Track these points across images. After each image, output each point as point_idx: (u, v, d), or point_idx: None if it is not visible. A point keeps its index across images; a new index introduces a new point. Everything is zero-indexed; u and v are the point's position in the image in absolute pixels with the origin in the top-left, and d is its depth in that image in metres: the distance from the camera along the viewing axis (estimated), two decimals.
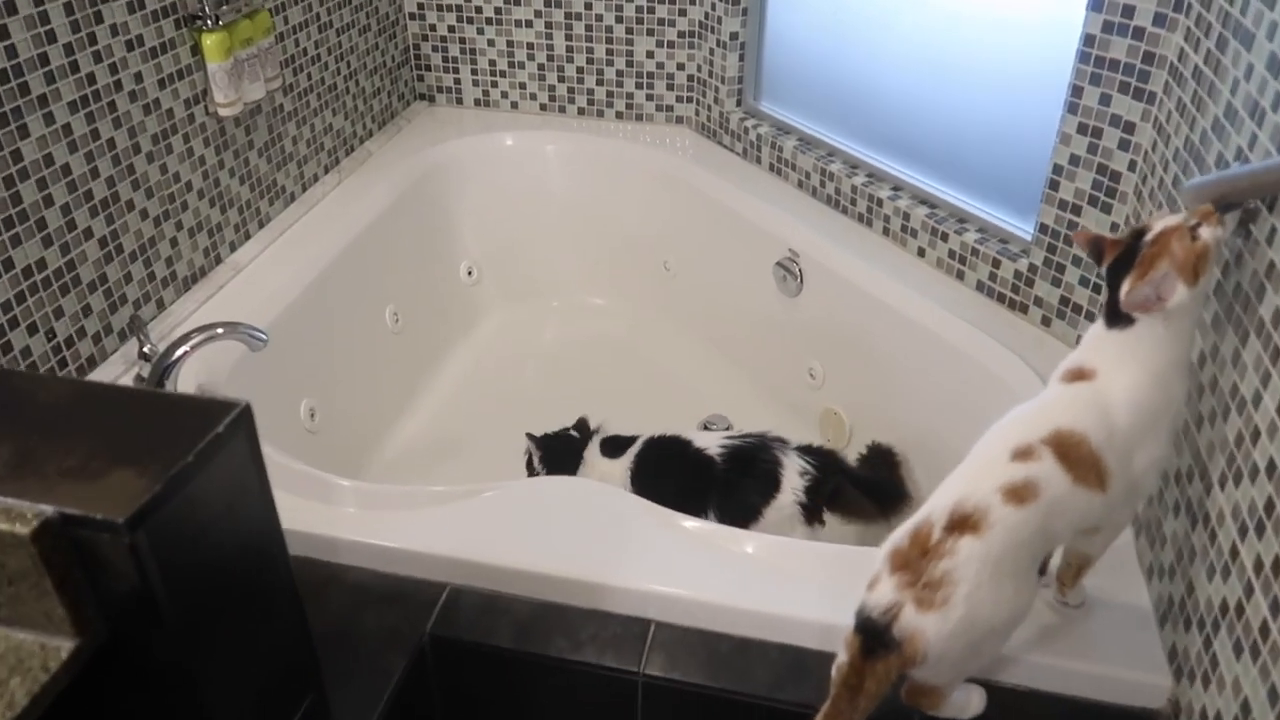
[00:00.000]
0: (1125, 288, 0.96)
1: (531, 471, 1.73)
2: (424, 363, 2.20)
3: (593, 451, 1.72)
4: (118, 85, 1.50)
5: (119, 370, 1.54)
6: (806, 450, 1.61)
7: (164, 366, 1.40)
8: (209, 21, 1.64)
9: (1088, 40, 1.41)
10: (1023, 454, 0.95)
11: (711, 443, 1.63)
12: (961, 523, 0.92)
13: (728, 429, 2.08)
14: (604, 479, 1.63)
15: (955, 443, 1.68)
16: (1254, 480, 0.93)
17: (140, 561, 0.66)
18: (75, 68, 1.41)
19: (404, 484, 1.90)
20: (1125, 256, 0.97)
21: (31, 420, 0.73)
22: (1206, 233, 0.92)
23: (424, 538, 1.26)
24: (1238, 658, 0.92)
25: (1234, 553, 0.95)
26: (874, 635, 0.92)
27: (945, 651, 0.93)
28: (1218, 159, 1.12)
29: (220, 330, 1.44)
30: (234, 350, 1.56)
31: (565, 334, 2.40)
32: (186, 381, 1.48)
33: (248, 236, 1.87)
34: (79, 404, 0.75)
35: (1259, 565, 0.90)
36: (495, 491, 1.34)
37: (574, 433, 1.76)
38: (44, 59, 1.36)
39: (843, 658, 0.96)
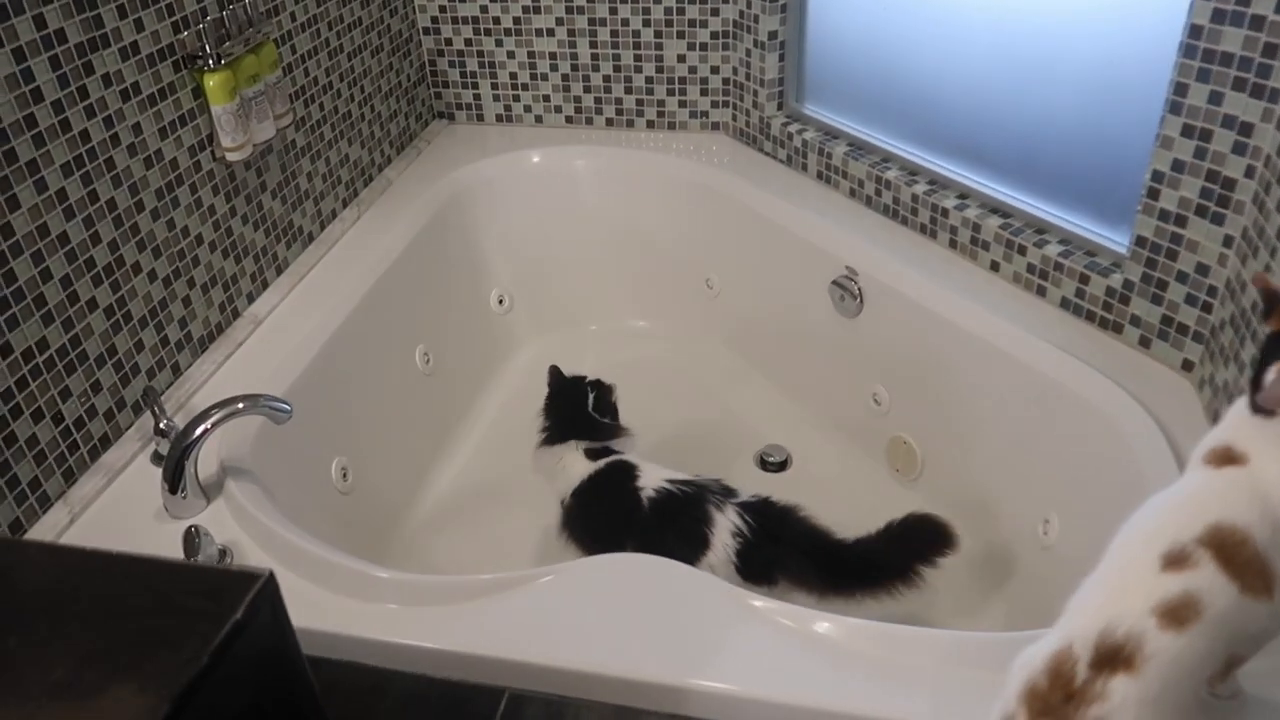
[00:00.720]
0: (1271, 375, 0.80)
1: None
2: (459, 403, 2.07)
3: (575, 450, 1.58)
4: (114, 140, 1.37)
5: (135, 448, 1.42)
6: (752, 508, 1.44)
7: (183, 447, 1.28)
8: (210, 61, 1.51)
9: (1194, 31, 1.24)
10: (1176, 561, 0.79)
11: (652, 483, 1.49)
12: (1111, 657, 0.77)
13: (784, 461, 1.94)
14: (554, 475, 1.59)
15: (1041, 476, 1.55)
16: None
17: None
18: (66, 126, 1.29)
19: (445, 539, 1.79)
20: None
21: (8, 612, 0.60)
22: None
23: (477, 637, 1.13)
24: None
25: None
26: None
27: None
28: None
29: (241, 405, 1.31)
30: (255, 416, 1.43)
31: (606, 360, 2.25)
32: (209, 458, 1.36)
33: (265, 285, 1.75)
34: (65, 582, 0.62)
35: None
36: (551, 576, 1.20)
37: (589, 394, 1.63)
38: (30, 121, 1.23)
39: None
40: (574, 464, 1.57)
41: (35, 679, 0.56)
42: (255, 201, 1.70)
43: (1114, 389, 1.43)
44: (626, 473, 1.53)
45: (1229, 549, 0.79)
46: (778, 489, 1.88)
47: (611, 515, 1.51)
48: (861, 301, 1.80)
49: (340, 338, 1.68)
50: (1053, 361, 1.51)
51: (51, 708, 0.54)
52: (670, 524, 1.45)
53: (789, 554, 1.40)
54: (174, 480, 1.29)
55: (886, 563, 1.39)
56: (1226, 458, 0.84)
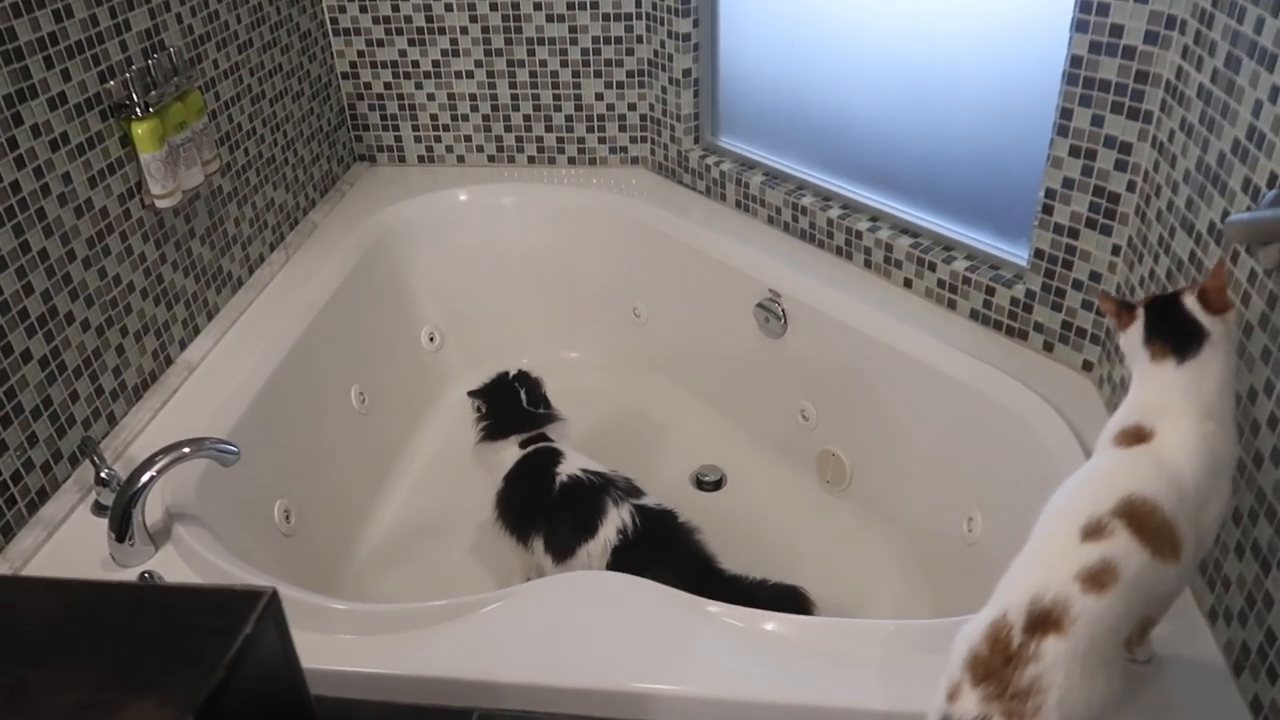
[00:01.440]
0: (1197, 287, 0.95)
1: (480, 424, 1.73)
2: (395, 441, 2.08)
3: (512, 443, 1.69)
4: (45, 190, 1.36)
5: (74, 499, 1.40)
6: (646, 513, 1.54)
7: (130, 495, 1.27)
8: (138, 110, 1.51)
9: (1075, 61, 1.37)
10: (1093, 531, 0.88)
11: (568, 469, 1.61)
12: (1042, 621, 0.85)
13: (719, 480, 2.00)
14: (492, 466, 1.69)
15: (963, 476, 1.65)
16: None
17: None
18: None
19: (392, 577, 1.80)
20: (1164, 300, 0.96)
21: (16, 643, 0.62)
22: None
23: (439, 660, 1.16)
24: None
25: None
26: None
27: None
28: (1244, 184, 1.08)
29: (187, 450, 1.31)
30: (197, 462, 1.43)
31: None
32: (153, 505, 1.35)
33: (197, 331, 1.74)
34: (70, 613, 0.64)
35: None
36: (504, 600, 1.23)
37: (520, 390, 1.73)
38: None
39: None
40: (509, 454, 1.68)
41: (53, 704, 0.57)
42: (185, 248, 1.69)
43: (1024, 391, 1.53)
44: (549, 458, 1.65)
45: (1140, 518, 0.88)
46: (714, 507, 1.96)
47: (528, 497, 1.63)
48: (785, 322, 1.89)
49: (276, 381, 1.68)
50: (966, 369, 1.61)
51: None
52: (570, 508, 1.57)
53: (660, 565, 1.45)
54: (121, 528, 1.28)
55: (749, 601, 1.42)
56: (1136, 436, 0.93)
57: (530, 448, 1.68)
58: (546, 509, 1.60)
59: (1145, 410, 0.95)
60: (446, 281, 2.25)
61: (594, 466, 1.63)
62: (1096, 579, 0.86)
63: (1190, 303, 0.95)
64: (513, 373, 1.77)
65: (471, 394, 1.76)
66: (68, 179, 1.41)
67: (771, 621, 1.18)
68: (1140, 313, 0.98)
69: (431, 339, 2.26)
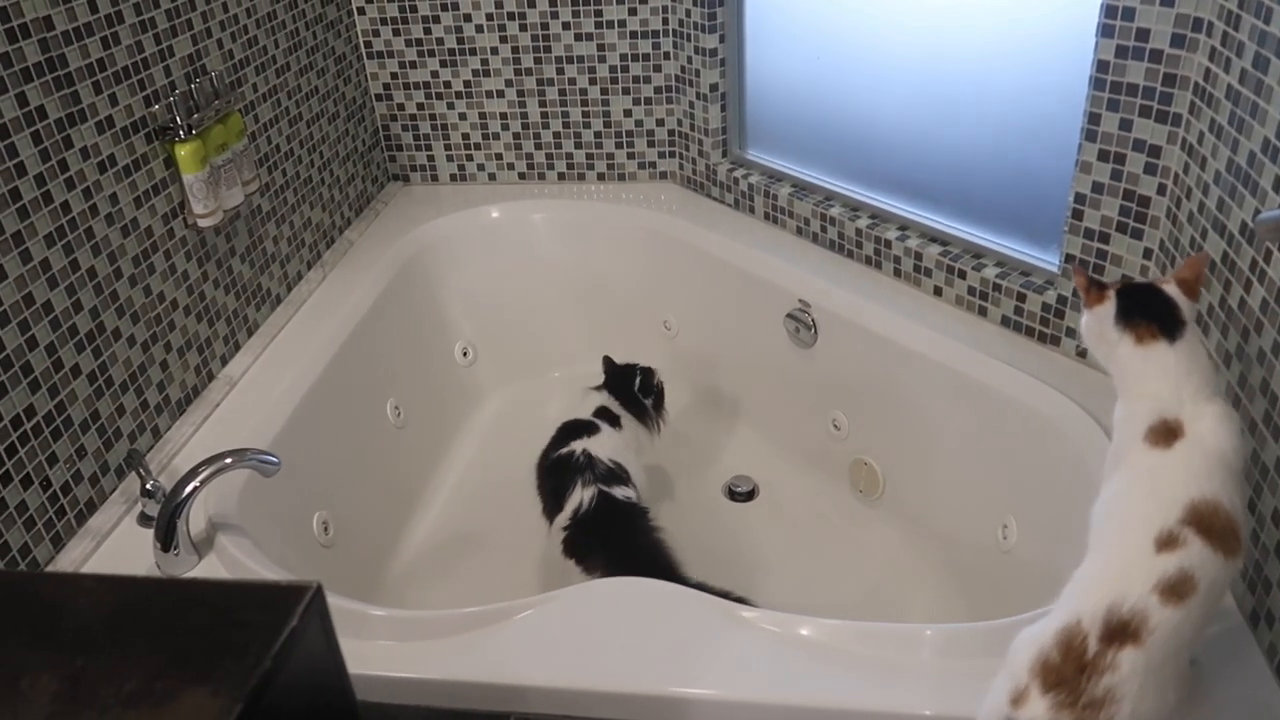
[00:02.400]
0: (1174, 271, 0.99)
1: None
2: (430, 454, 2.11)
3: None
4: (93, 210, 1.41)
5: (120, 510, 1.43)
6: (609, 500, 1.63)
7: (174, 505, 1.30)
8: (181, 132, 1.56)
9: (1101, 66, 1.37)
10: (1168, 543, 0.88)
11: (575, 446, 1.71)
12: (1120, 631, 0.85)
13: (751, 491, 2.01)
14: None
15: (996, 484, 1.64)
16: None
17: None
18: (49, 199, 1.33)
19: (429, 589, 1.82)
20: (1139, 288, 1.01)
21: (73, 636, 0.64)
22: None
23: (476, 665, 1.17)
24: None
25: None
26: None
27: None
28: (1275, 182, 1.08)
29: (229, 460, 1.34)
30: (239, 474, 1.46)
31: (570, 406, 2.31)
32: (196, 516, 1.38)
33: (238, 348, 1.78)
34: (123, 607, 0.66)
35: None
36: (540, 605, 1.24)
37: (638, 377, 1.87)
38: (15, 194, 1.27)
39: None
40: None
41: (109, 693, 0.60)
42: (225, 266, 1.74)
43: (1057, 396, 1.53)
44: (574, 432, 1.76)
45: (1207, 521, 0.88)
46: (747, 518, 1.96)
47: (542, 461, 1.76)
48: (816, 332, 1.90)
49: (313, 396, 1.72)
50: (998, 375, 1.61)
51: (129, 715, 0.58)
52: (553, 479, 1.70)
53: (603, 553, 1.57)
54: (166, 538, 1.31)
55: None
56: (1169, 434, 0.93)
57: (586, 418, 1.80)
58: (545, 474, 1.73)
59: (1158, 401, 0.94)
60: (479, 297, 2.28)
61: (602, 453, 1.70)
62: (1176, 590, 0.86)
63: (1171, 290, 0.99)
64: (644, 365, 1.91)
65: (606, 358, 1.92)
66: (115, 199, 1.45)
67: (806, 626, 1.18)
68: (1112, 295, 1.01)
69: (465, 354, 2.29)
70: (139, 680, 0.60)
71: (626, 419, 1.84)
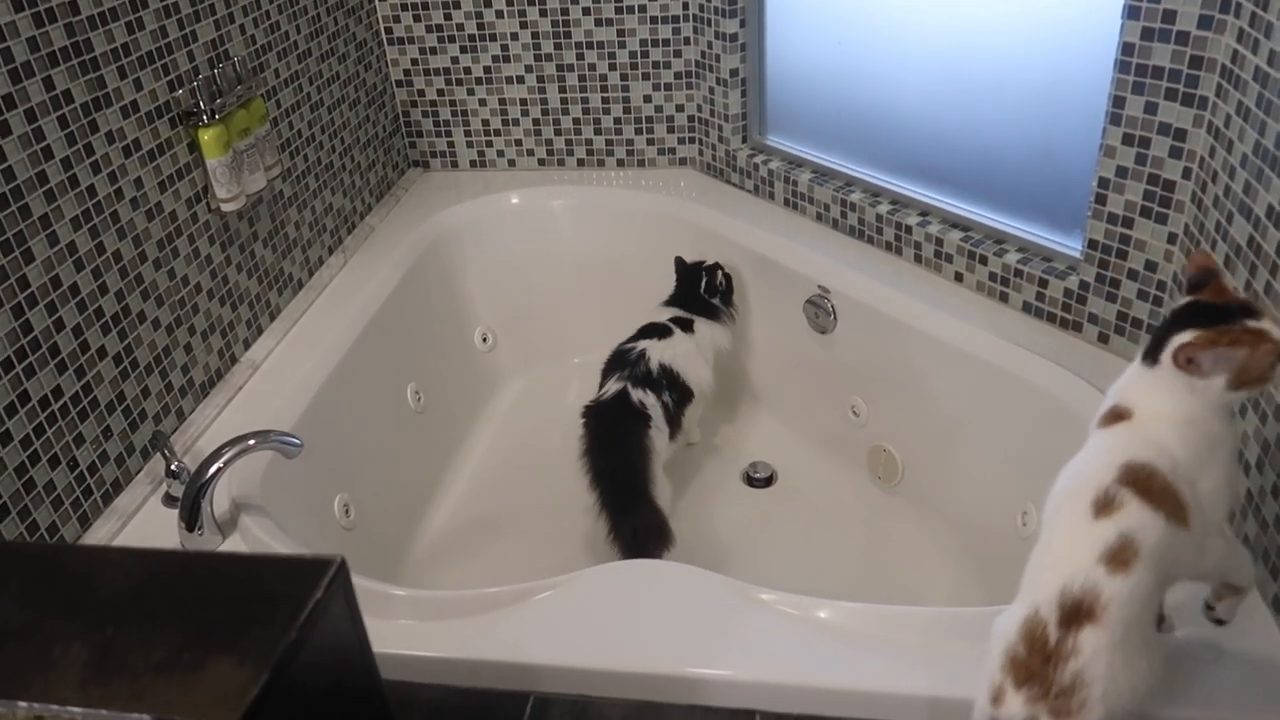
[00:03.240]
0: (1188, 337, 0.88)
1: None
2: (450, 439, 2.12)
3: (665, 309, 1.98)
4: (119, 194, 1.42)
5: (146, 491, 1.45)
6: (623, 399, 1.80)
7: (199, 485, 1.32)
8: (205, 117, 1.57)
9: (1126, 49, 1.36)
10: (1104, 505, 0.87)
11: (634, 343, 1.88)
12: (1075, 612, 0.85)
13: (769, 477, 2.01)
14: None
15: (1016, 471, 1.64)
16: None
17: None
18: (75, 182, 1.34)
19: (449, 572, 1.83)
20: (1216, 311, 0.89)
21: (102, 607, 0.65)
22: None
23: (496, 645, 1.18)
24: None
25: None
26: None
27: None
28: None
29: (252, 441, 1.36)
30: (260, 456, 1.48)
31: (590, 392, 2.32)
32: (220, 497, 1.40)
33: (260, 331, 1.80)
34: (151, 579, 0.67)
35: None
36: (560, 586, 1.25)
37: (704, 278, 1.97)
38: (42, 178, 1.28)
39: None
40: (658, 313, 1.97)
41: (138, 661, 0.61)
42: (248, 250, 1.75)
43: (1078, 382, 1.52)
44: (649, 332, 1.91)
45: (1143, 481, 0.87)
46: (766, 504, 1.97)
47: (611, 356, 1.91)
48: (835, 318, 1.89)
49: (335, 380, 1.73)
50: (1020, 361, 1.60)
51: (158, 683, 0.59)
52: (606, 369, 1.90)
53: (596, 447, 1.76)
54: (191, 518, 1.33)
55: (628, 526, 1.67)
56: (1115, 416, 0.93)
57: (659, 319, 1.94)
58: (607, 362, 1.90)
59: (1130, 389, 0.95)
60: (498, 283, 2.29)
61: (661, 355, 1.86)
62: (1119, 557, 0.85)
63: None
64: (709, 263, 1.99)
65: (677, 259, 2.03)
66: (139, 184, 1.47)
67: (825, 609, 1.18)
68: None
69: (484, 339, 2.30)
70: (167, 650, 0.61)
71: (700, 322, 1.95)
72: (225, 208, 1.63)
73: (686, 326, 1.95)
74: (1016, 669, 0.87)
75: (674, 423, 1.85)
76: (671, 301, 2.00)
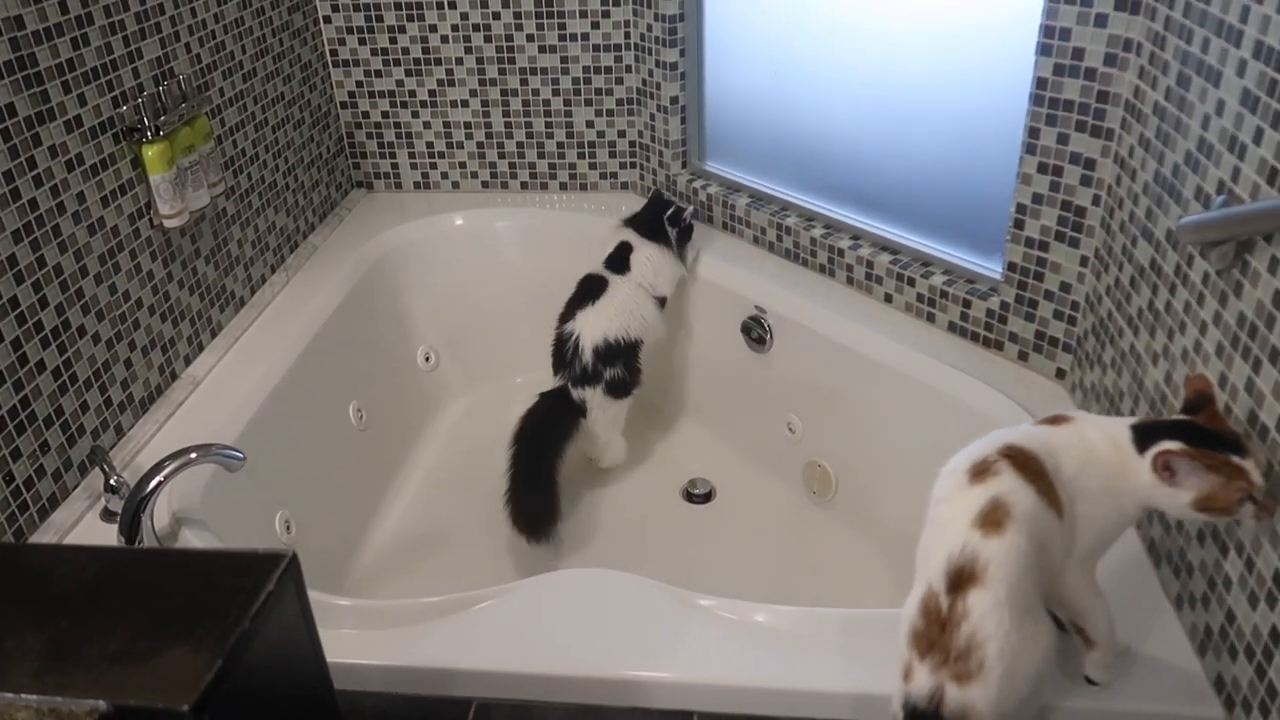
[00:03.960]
0: (1174, 446, 0.93)
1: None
2: (392, 457, 2.13)
3: (624, 230, 2.03)
4: (60, 208, 1.42)
5: (83, 506, 1.44)
6: (561, 398, 1.92)
7: (139, 499, 1.32)
8: (149, 133, 1.58)
9: (1040, 83, 1.45)
10: (979, 472, 0.94)
11: (573, 330, 1.95)
12: (959, 578, 0.91)
13: (708, 493, 2.06)
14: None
15: None
16: None
17: None
18: (16, 195, 1.34)
19: (390, 587, 1.84)
20: (1208, 436, 0.94)
21: (57, 601, 0.67)
22: (1247, 510, 0.91)
23: (438, 652, 1.20)
24: None
25: (1278, 579, 0.96)
26: None
27: (999, 714, 0.91)
28: (1196, 192, 1.15)
29: (194, 455, 1.36)
30: (202, 472, 1.48)
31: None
32: (160, 511, 1.39)
33: (201, 348, 1.79)
34: (105, 575, 0.69)
35: None
36: (502, 595, 1.28)
37: (668, 209, 2.02)
38: None
39: None
40: (616, 234, 2.04)
41: (93, 651, 0.62)
42: (190, 267, 1.75)
43: (1001, 398, 1.60)
44: (619, 252, 2.00)
45: (1022, 459, 0.95)
46: (704, 519, 2.01)
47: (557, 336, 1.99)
48: (771, 338, 1.96)
49: (277, 397, 1.73)
50: (946, 379, 1.67)
51: (113, 671, 0.61)
52: (555, 353, 1.98)
53: (528, 431, 1.90)
54: (131, 532, 1.33)
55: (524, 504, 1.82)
56: (1053, 420, 1.00)
57: (620, 242, 2.01)
58: (554, 352, 1.98)
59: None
60: (442, 303, 2.31)
61: (595, 336, 1.92)
62: (991, 519, 0.91)
63: None
64: (680, 207, 2.04)
65: (655, 190, 2.15)
66: (82, 198, 1.47)
67: (761, 613, 1.23)
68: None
69: (427, 359, 2.32)
70: (122, 640, 0.63)
71: (641, 255, 1.98)
72: (168, 224, 1.64)
73: (621, 266, 1.98)
74: (919, 641, 0.93)
75: (632, 377, 1.97)
76: (629, 222, 2.04)
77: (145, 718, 0.59)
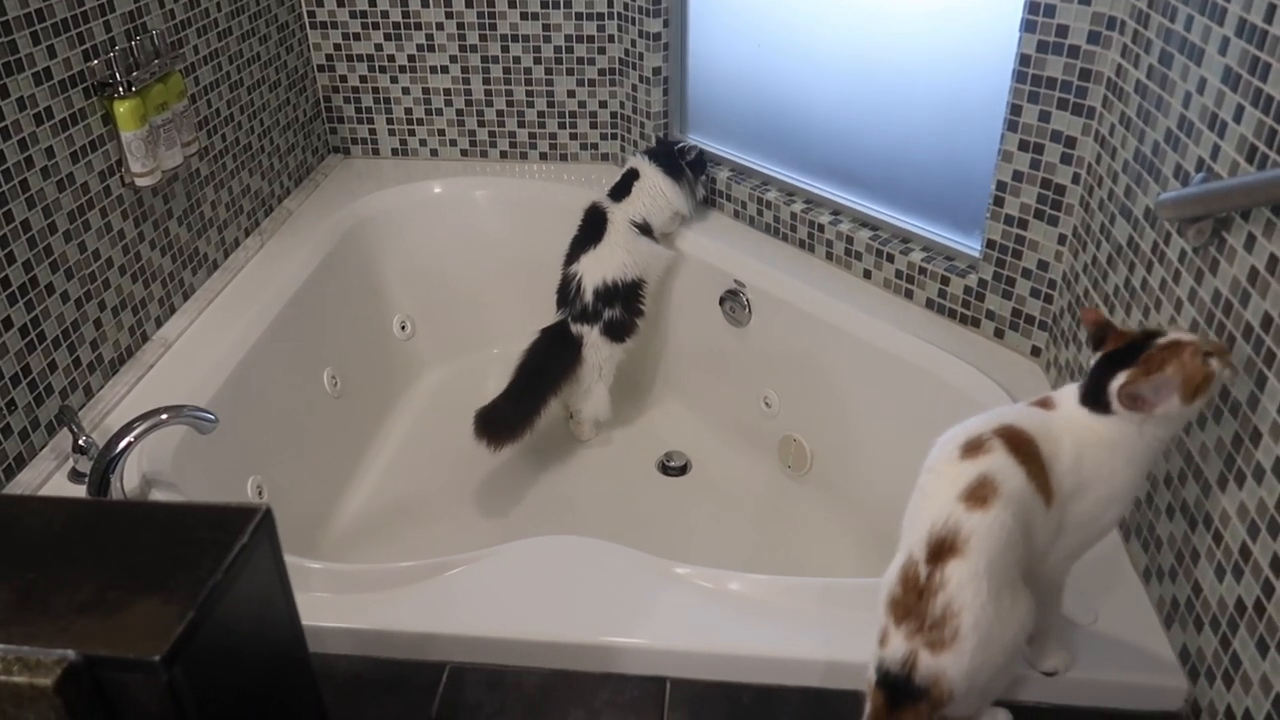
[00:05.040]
0: (1122, 378, 0.92)
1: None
2: (367, 425, 2.11)
3: (641, 159, 2.03)
4: (29, 162, 1.39)
5: (50, 466, 1.42)
6: (561, 332, 1.97)
7: (108, 460, 1.30)
8: (120, 89, 1.54)
9: (1023, 60, 1.45)
10: (972, 449, 0.94)
11: (603, 202, 2.01)
12: (939, 548, 0.91)
13: (684, 466, 2.06)
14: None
15: (918, 457, 1.71)
16: (1260, 481, 0.95)
17: (179, 701, 0.59)
18: None
19: (363, 555, 1.83)
20: (1128, 351, 0.94)
21: (25, 551, 0.65)
22: (1216, 364, 0.91)
23: (411, 617, 1.20)
24: (1263, 656, 0.94)
25: (1245, 552, 0.97)
26: (898, 688, 0.91)
27: (970, 683, 0.92)
28: (1175, 169, 1.16)
29: (165, 416, 1.34)
30: (173, 434, 1.46)
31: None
32: (130, 472, 1.38)
33: (173, 310, 1.77)
34: (75, 527, 0.68)
35: (1277, 564, 0.92)
36: (477, 560, 1.28)
37: (687, 153, 2.04)
38: None
39: (870, 711, 0.95)
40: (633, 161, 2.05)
41: (61, 602, 0.61)
42: (163, 228, 1.72)
43: (977, 375, 1.61)
44: (625, 181, 2.02)
45: (1017, 441, 0.94)
46: (679, 492, 2.01)
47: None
48: (750, 312, 1.95)
49: (250, 361, 1.71)
50: (922, 355, 1.68)
51: (81, 621, 0.60)
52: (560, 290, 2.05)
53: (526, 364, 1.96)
54: (100, 493, 1.31)
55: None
56: (1042, 403, 1.00)
57: (635, 166, 2.02)
58: (559, 292, 2.04)
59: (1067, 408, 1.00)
60: (418, 271, 2.29)
61: (595, 278, 1.96)
62: (976, 494, 0.91)
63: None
64: (694, 149, 2.06)
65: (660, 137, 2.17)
66: (51, 153, 1.44)
67: (736, 581, 1.23)
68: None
69: (403, 327, 2.30)
70: (91, 590, 0.62)
71: (647, 182, 1.99)
72: (140, 182, 1.61)
73: (621, 194, 2.00)
74: (896, 608, 0.93)
75: (631, 319, 2.00)
76: (645, 152, 2.06)
77: (114, 668, 0.58)
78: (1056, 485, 0.95)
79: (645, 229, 1.98)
